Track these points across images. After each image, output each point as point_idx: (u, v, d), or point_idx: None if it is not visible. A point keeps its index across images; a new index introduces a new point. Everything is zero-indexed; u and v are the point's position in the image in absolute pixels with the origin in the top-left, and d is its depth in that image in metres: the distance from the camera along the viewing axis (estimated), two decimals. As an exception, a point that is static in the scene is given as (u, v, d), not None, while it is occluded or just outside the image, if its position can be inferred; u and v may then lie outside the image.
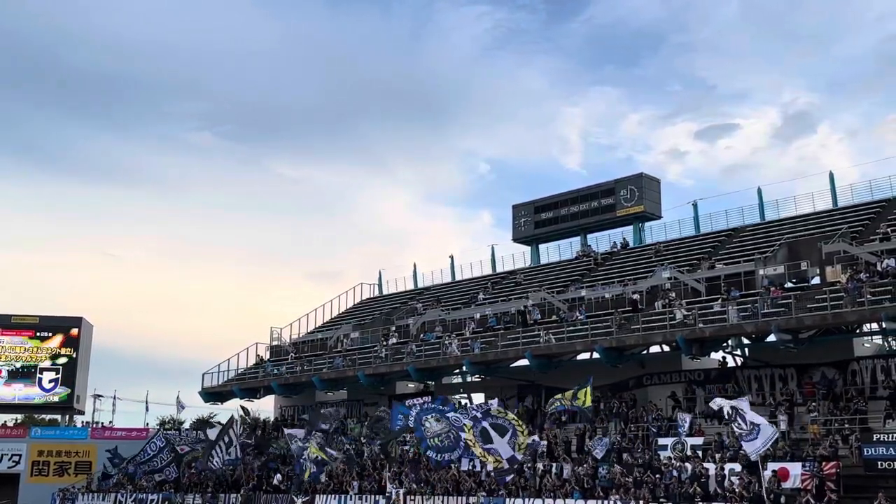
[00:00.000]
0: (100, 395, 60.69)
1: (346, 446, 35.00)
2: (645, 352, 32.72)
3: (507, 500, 26.45)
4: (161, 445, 39.93)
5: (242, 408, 46.78)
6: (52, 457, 47.51)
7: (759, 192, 38.46)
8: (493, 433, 26.51)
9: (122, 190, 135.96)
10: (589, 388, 27.77)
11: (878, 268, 26.60)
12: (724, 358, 31.67)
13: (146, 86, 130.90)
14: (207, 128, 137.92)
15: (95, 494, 41.82)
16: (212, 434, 39.47)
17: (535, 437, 28.91)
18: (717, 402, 23.07)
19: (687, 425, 26.65)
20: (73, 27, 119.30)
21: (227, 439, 36.30)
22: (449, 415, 27.44)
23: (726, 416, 22.56)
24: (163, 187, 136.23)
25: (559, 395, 28.73)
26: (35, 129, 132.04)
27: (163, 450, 39.68)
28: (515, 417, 27.25)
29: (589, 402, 27.82)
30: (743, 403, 22.33)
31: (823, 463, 22.26)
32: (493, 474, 27.41)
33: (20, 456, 47.03)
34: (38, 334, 52.31)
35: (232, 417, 40.50)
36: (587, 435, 29.12)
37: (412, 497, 28.70)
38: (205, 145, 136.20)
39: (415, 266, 52.63)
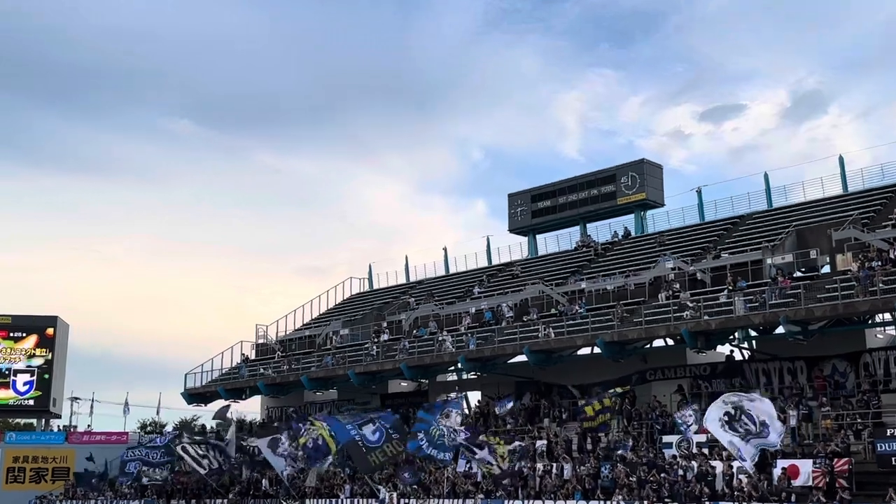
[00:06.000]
0: (77, 398, 60.66)
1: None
2: (648, 346, 32.77)
3: (506, 501, 26.54)
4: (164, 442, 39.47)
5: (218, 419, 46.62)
6: (28, 463, 47.42)
7: (766, 177, 38.53)
8: (474, 448, 27.71)
9: (99, 182, 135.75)
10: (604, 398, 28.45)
11: (891, 255, 26.69)
12: (731, 351, 31.78)
13: (123, 74, 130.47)
14: (188, 116, 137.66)
15: (74, 502, 41.80)
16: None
17: (519, 443, 28.94)
18: (711, 419, 22.21)
19: (692, 420, 26.69)
20: (46, 14, 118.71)
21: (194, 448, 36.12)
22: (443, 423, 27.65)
23: (726, 422, 22.04)
24: (142, 179, 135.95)
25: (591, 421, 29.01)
26: (7, 120, 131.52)
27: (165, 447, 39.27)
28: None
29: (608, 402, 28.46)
30: (747, 402, 22.07)
31: (835, 459, 22.31)
32: (489, 477, 27.55)
33: (-6, 462, 46.98)
34: (10, 335, 52.16)
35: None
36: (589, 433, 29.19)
37: (406, 500, 28.75)
38: (185, 134, 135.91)
39: (406, 259, 52.69)
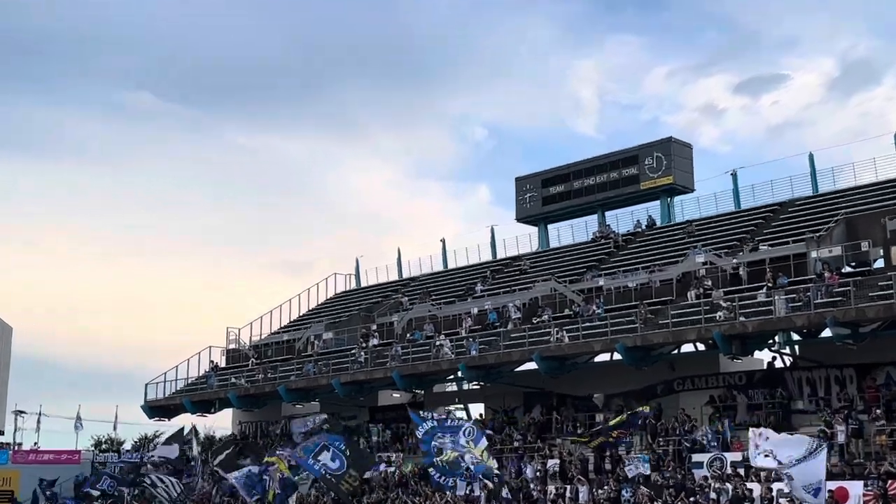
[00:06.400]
0: (22, 412, 60.61)
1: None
2: (676, 351, 32.78)
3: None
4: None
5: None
6: (-34, 486, 47.44)
7: (811, 158, 38.53)
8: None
9: (46, 164, 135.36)
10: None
11: (954, 247, 26.69)
12: (773, 358, 31.79)
13: (72, 39, 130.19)
14: (148, 88, 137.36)
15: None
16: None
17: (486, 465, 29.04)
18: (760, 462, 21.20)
19: (711, 439, 26.71)
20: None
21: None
22: (460, 440, 27.86)
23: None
24: (93, 160, 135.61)
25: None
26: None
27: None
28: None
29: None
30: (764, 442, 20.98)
31: (889, 481, 22.36)
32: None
33: (-72, 486, 46.98)
34: (-55, 339, 52.18)
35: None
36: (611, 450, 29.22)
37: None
38: (145, 109, 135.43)
39: (399, 252, 52.79)
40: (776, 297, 28.15)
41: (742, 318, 28.59)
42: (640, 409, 29.44)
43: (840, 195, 35.94)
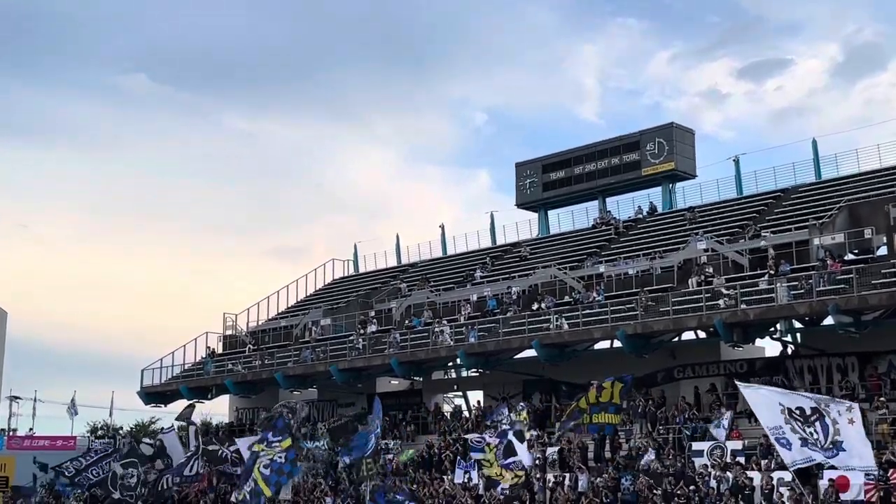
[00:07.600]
0: (17, 398, 60.83)
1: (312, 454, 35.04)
2: (676, 339, 32.86)
3: (511, 518, 26.68)
4: (94, 458, 39.92)
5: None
6: (-40, 472, 47.51)
7: (815, 144, 38.62)
8: (516, 442, 26.79)
9: (40, 148, 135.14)
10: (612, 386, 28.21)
11: (958, 235, 26.75)
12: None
13: (67, 21, 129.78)
14: (143, 70, 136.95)
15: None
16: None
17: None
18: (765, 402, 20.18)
19: (727, 423, 26.87)
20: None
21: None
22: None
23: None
24: (89, 144, 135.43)
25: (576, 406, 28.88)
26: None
27: (96, 462, 39.74)
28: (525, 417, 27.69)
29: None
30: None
31: (891, 470, 22.43)
32: (507, 491, 27.39)
33: (-78, 472, 47.04)
34: (-61, 324, 52.24)
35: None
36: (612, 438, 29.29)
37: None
38: (139, 92, 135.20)
39: (397, 238, 52.92)
40: (778, 285, 28.21)
41: (743, 306, 28.65)
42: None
43: (843, 182, 36.03)
